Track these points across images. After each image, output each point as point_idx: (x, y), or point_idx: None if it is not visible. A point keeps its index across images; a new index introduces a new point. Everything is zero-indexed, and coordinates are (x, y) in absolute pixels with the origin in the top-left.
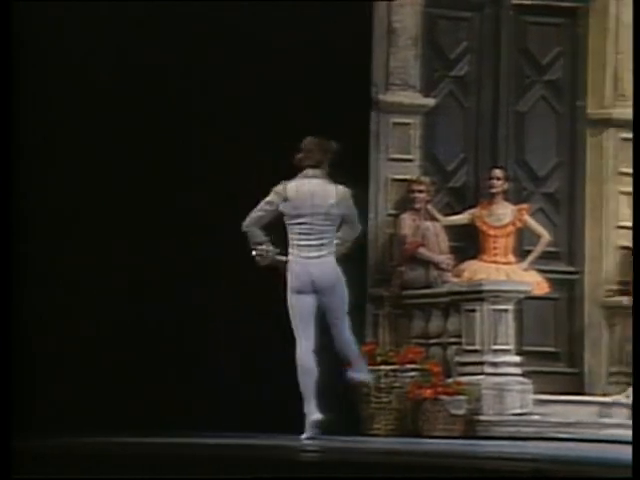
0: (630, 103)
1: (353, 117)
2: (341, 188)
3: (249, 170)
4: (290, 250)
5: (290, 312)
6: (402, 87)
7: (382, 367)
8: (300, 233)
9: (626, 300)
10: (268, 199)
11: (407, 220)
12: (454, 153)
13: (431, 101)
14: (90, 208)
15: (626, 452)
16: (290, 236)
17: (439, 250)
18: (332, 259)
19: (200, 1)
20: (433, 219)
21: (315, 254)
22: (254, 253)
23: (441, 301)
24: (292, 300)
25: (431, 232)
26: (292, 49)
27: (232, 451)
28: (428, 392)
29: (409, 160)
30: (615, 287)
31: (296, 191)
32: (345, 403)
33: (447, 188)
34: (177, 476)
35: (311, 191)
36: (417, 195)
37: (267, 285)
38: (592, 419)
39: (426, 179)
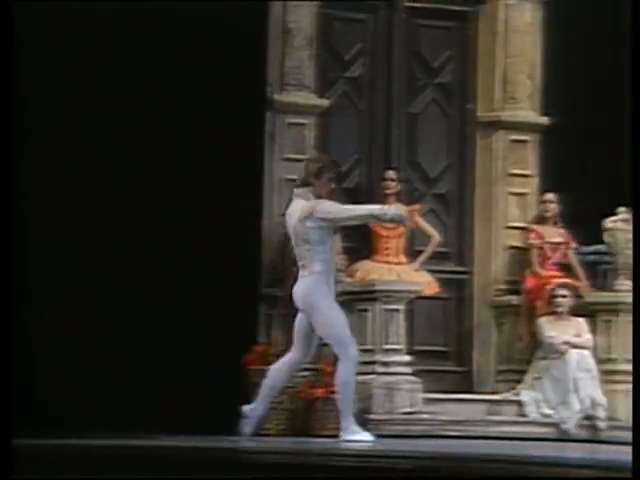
0: (519, 106)
1: (248, 117)
2: (305, 204)
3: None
4: None
5: None
6: (297, 87)
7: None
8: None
9: (515, 299)
10: None
11: None
12: (348, 154)
13: (325, 102)
14: (89, 208)
15: (514, 448)
16: None
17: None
18: (309, 280)
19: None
20: None
21: (300, 274)
22: None
23: None
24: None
25: None
26: (188, 48)
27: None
28: (320, 391)
29: (303, 160)
30: (504, 287)
31: (287, 214)
32: (238, 403)
33: (341, 189)
34: (177, 476)
35: (289, 213)
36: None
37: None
38: (481, 417)
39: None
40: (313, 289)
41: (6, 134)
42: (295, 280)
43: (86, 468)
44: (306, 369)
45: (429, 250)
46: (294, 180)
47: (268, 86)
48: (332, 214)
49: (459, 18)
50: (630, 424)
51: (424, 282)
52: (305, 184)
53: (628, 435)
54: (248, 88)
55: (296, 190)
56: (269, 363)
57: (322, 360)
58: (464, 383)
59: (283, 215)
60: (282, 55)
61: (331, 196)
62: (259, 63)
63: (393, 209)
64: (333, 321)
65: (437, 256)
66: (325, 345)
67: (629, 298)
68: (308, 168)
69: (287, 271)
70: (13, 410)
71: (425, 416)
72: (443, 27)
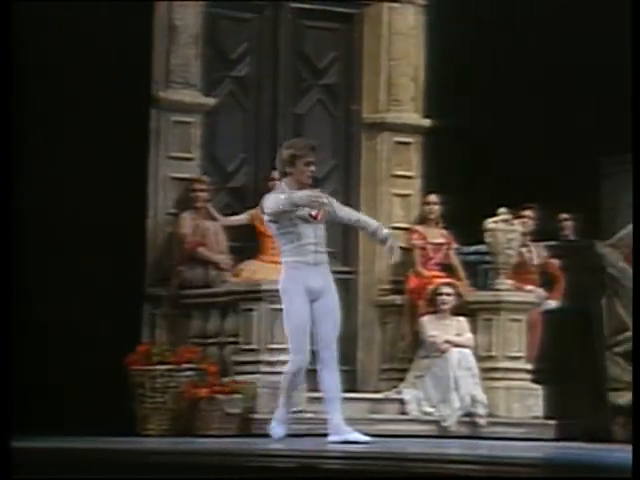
0: (403, 108)
1: (133, 114)
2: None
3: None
4: None
5: None
6: (183, 85)
7: (158, 367)
8: None
9: (398, 299)
10: None
11: (187, 219)
12: (234, 153)
13: (212, 100)
14: (89, 208)
15: (396, 446)
16: None
17: (218, 250)
18: (281, 272)
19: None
20: (213, 219)
21: None
22: None
23: (220, 300)
24: None
25: (211, 232)
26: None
27: None
28: (204, 391)
29: (189, 159)
30: (388, 286)
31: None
32: (122, 403)
33: (227, 188)
34: (177, 476)
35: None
36: (197, 194)
37: None
38: (363, 415)
39: (206, 179)
40: (281, 281)
41: (6, 134)
42: None
43: (86, 468)
44: (190, 369)
45: None
46: (180, 179)
47: (153, 83)
48: (269, 208)
49: (344, 20)
50: (510, 420)
51: None
52: (283, 174)
53: (507, 431)
54: (133, 85)
55: (276, 183)
56: (152, 363)
57: (207, 360)
58: (348, 382)
59: (169, 214)
60: (168, 53)
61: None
62: (144, 60)
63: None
64: (289, 317)
65: None
66: (211, 345)
67: (509, 297)
68: (281, 157)
69: (172, 270)
70: (13, 410)
71: (309, 415)
72: (328, 28)
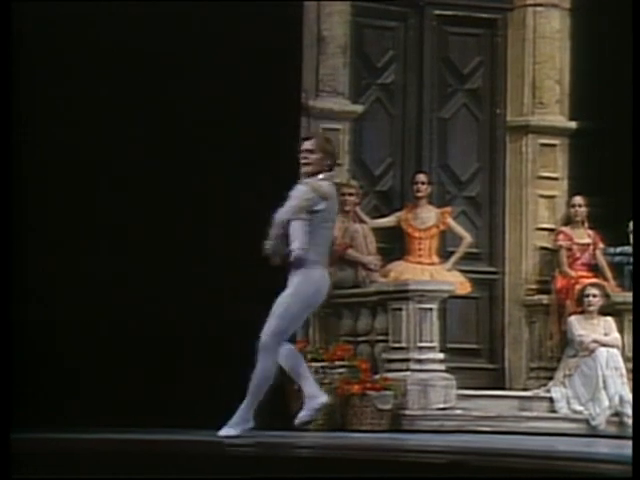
0: (548, 110)
1: (284, 122)
2: None
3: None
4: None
5: None
6: (331, 94)
7: (312, 364)
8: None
9: (545, 298)
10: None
11: (337, 222)
12: (381, 158)
13: (359, 108)
14: (90, 207)
15: (544, 443)
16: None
17: (367, 251)
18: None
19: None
20: (361, 222)
21: None
22: None
23: (369, 300)
24: None
25: (359, 234)
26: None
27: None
28: (356, 388)
29: (339, 165)
30: (534, 286)
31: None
32: (277, 399)
33: (374, 192)
34: (178, 476)
35: None
36: (346, 198)
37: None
38: (512, 412)
39: (355, 183)
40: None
41: (6, 134)
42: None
43: (86, 467)
44: (343, 366)
45: (461, 251)
46: None
47: (303, 92)
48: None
49: (488, 25)
50: None
51: (457, 282)
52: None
53: None
54: (284, 95)
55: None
56: (307, 361)
57: (358, 357)
58: (496, 380)
59: None
60: (316, 62)
61: None
62: (294, 70)
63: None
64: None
65: (469, 257)
66: (362, 343)
67: None
68: (328, 150)
69: None
70: (13, 410)
71: (458, 412)
72: (472, 34)
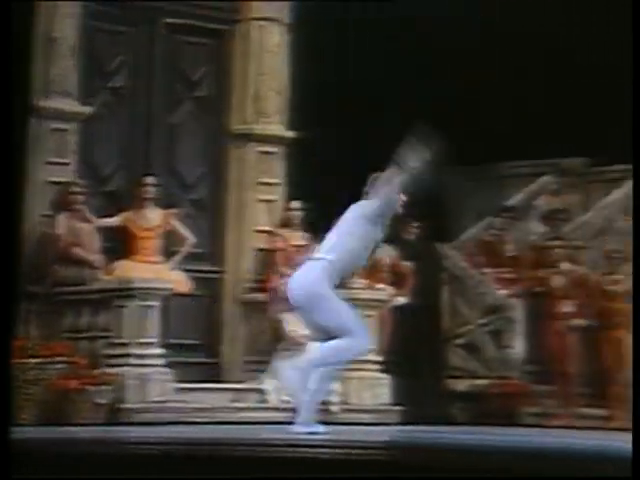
0: (269, 120)
1: (13, 122)
2: None
3: None
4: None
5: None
6: (61, 95)
7: (30, 360)
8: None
9: (261, 296)
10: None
11: (63, 221)
12: (110, 159)
13: (88, 109)
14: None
15: (253, 432)
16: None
17: (92, 250)
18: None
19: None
20: (87, 221)
21: None
22: None
23: (92, 298)
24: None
25: (85, 232)
26: None
27: None
28: (74, 383)
29: (65, 164)
30: (251, 285)
31: None
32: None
33: (102, 192)
34: (178, 475)
35: None
36: (73, 197)
37: None
38: (226, 404)
39: (81, 182)
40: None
41: (6, 133)
42: None
43: (86, 467)
44: (61, 362)
45: (184, 251)
46: (57, 183)
47: (33, 93)
48: None
49: (216, 36)
50: (361, 407)
51: (178, 280)
52: None
53: (358, 417)
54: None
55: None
56: (26, 357)
57: (78, 353)
58: (214, 373)
59: (45, 216)
60: (47, 63)
61: None
62: (24, 70)
63: None
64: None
65: (192, 257)
66: (83, 339)
67: (362, 294)
68: None
69: (47, 269)
70: (12, 410)
71: (175, 404)
72: (201, 44)
